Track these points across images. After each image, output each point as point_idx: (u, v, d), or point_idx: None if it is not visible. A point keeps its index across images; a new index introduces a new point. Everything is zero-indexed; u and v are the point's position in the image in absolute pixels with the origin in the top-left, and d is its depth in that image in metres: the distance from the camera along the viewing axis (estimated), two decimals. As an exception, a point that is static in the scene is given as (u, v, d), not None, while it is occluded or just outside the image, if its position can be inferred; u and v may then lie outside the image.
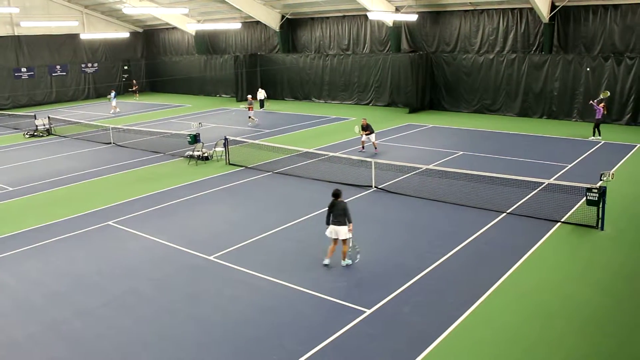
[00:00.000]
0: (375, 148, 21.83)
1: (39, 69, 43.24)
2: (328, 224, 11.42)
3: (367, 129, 21.65)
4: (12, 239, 13.98)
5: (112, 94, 37.95)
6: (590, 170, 17.92)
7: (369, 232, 13.52)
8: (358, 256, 11.73)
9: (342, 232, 11.24)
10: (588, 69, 26.59)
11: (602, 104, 23.17)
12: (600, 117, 23.08)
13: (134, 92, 46.22)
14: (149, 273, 11.68)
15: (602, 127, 23.66)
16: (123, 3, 38.05)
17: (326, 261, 11.56)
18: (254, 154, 21.64)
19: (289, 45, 40.71)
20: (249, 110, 30.36)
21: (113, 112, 36.94)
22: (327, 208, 11.45)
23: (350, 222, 11.27)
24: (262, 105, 36.34)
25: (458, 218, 14.27)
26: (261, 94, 36.70)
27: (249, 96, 32.13)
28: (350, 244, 11.55)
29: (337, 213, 11.23)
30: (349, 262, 11.65)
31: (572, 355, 8.34)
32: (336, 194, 11.38)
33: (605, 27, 27.54)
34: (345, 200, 11.51)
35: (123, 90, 48.51)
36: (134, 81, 47.34)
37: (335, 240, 11.43)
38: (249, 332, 9.22)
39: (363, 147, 22.09)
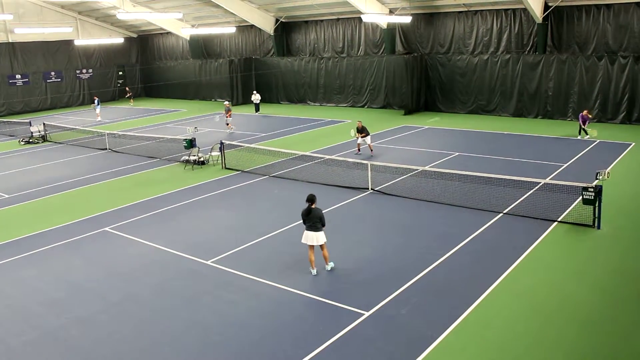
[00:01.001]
0: (371, 150, 21.84)
1: (33, 76, 43.15)
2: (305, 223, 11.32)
3: (362, 131, 21.65)
4: (8, 246, 13.93)
5: (96, 101, 37.64)
6: (585, 169, 17.98)
7: (366, 235, 13.54)
8: None
9: (318, 237, 11.15)
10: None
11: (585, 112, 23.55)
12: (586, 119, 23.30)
13: (129, 98, 46.05)
14: (147, 278, 11.65)
15: (598, 125, 23.81)
16: (117, 8, 38.05)
17: (313, 272, 11.40)
18: (250, 157, 21.62)
19: (284, 48, 40.75)
20: (227, 117, 29.17)
21: (99, 119, 36.40)
22: (302, 215, 11.29)
23: (324, 225, 11.20)
24: (257, 109, 36.22)
25: (455, 219, 14.28)
26: (256, 97, 36.45)
27: (226, 102, 30.55)
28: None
29: (314, 219, 11.10)
30: (332, 264, 11.59)
31: (571, 353, 8.35)
32: (311, 199, 11.22)
33: (598, 26, 27.66)
34: (319, 207, 11.34)
35: (118, 96, 48.45)
36: (127, 88, 47.17)
37: (312, 247, 11.32)
38: (248, 336, 9.20)
39: (359, 150, 22.10)
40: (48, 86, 44.16)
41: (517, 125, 27.34)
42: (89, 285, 11.45)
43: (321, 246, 11.32)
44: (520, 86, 29.60)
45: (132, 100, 45.82)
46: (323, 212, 11.31)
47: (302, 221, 11.35)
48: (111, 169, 21.80)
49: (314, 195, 11.37)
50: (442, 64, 32.27)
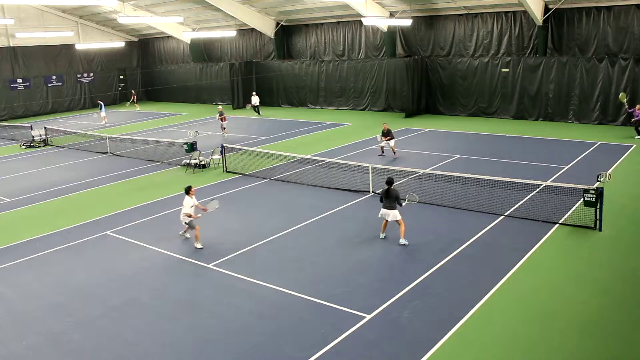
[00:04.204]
0: (394, 153, 22.02)
1: (34, 80, 43.23)
2: (382, 201, 12.91)
3: (387, 134, 21.84)
4: (9, 250, 13.93)
5: (101, 105, 37.79)
6: (587, 171, 17.96)
7: (367, 237, 13.51)
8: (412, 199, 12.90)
9: (392, 214, 12.64)
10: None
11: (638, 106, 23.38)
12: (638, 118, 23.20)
13: (134, 102, 45.81)
14: (148, 282, 11.65)
15: (598, 127, 23.86)
16: (118, 12, 38.13)
17: (382, 235, 13.17)
18: (251, 161, 21.63)
19: (284, 51, 40.80)
20: (222, 121, 28.71)
21: (104, 122, 36.62)
22: (381, 194, 12.95)
23: (400, 205, 12.66)
24: (257, 111, 36.11)
25: (456, 221, 14.27)
26: (255, 99, 36.30)
27: (220, 107, 30.06)
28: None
29: (392, 199, 12.61)
30: (405, 242, 12.73)
31: (572, 356, 8.34)
32: (390, 182, 12.74)
33: (598, 28, 27.67)
34: (396, 188, 12.82)
35: (119, 100, 48.50)
36: (133, 91, 47.07)
37: (386, 221, 12.89)
38: (249, 340, 9.19)
39: (382, 152, 22.32)
40: (49, 90, 44.22)
41: (518, 127, 27.34)
42: (90, 289, 11.45)
43: (398, 222, 12.72)
44: (520, 89, 29.60)
45: (136, 104, 45.54)
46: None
47: (379, 199, 12.96)
48: (112, 173, 21.82)
49: (392, 178, 12.93)
50: (442, 67, 32.28)
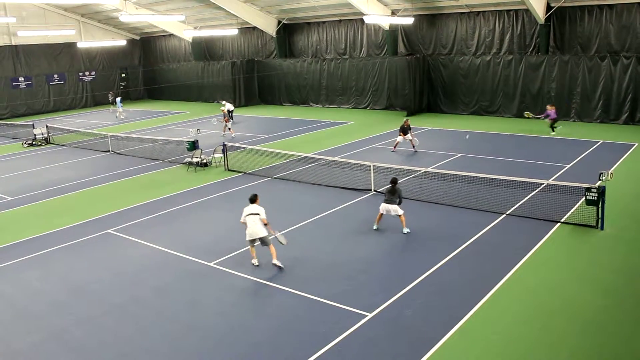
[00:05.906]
0: (413, 147, 22.44)
1: (36, 78, 43.25)
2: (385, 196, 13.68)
3: (406, 131, 22.24)
4: (11, 248, 13.95)
5: (117, 100, 38.96)
6: (589, 170, 17.93)
7: (369, 236, 13.52)
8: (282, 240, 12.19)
9: (393, 209, 13.38)
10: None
11: (552, 108, 24.88)
12: (553, 117, 24.71)
13: (112, 102, 44.87)
14: (150, 280, 11.67)
15: (600, 126, 24.03)
16: (120, 11, 38.14)
17: (375, 227, 13.79)
18: (253, 159, 21.64)
19: (286, 50, 40.79)
20: (225, 122, 28.72)
21: (118, 116, 37.81)
22: (385, 190, 13.86)
23: (401, 202, 13.51)
24: (231, 117, 35.70)
25: (457, 220, 14.26)
26: (230, 105, 35.84)
27: (223, 108, 30.01)
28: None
29: (394, 196, 13.44)
30: (408, 230, 13.39)
31: (574, 355, 8.33)
32: (394, 182, 13.64)
33: (601, 27, 27.63)
34: (399, 187, 13.61)
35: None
36: (111, 92, 45.78)
37: (382, 214, 13.63)
38: (250, 338, 9.21)
39: (395, 148, 22.57)
40: (51, 89, 44.26)
41: (520, 126, 27.29)
42: (92, 287, 11.47)
43: (399, 215, 13.41)
44: (522, 87, 29.56)
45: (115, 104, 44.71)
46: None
47: (385, 192, 13.87)
48: (114, 171, 21.84)
49: (397, 178, 13.85)
50: (444, 65, 32.25)
